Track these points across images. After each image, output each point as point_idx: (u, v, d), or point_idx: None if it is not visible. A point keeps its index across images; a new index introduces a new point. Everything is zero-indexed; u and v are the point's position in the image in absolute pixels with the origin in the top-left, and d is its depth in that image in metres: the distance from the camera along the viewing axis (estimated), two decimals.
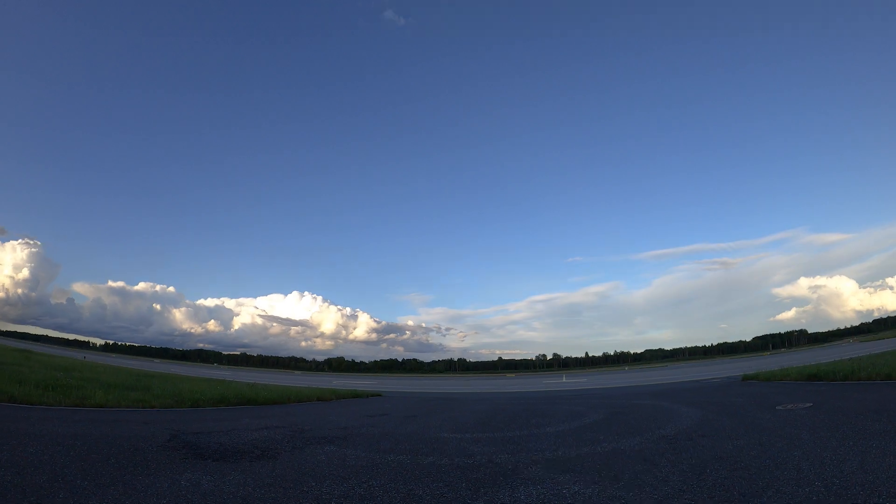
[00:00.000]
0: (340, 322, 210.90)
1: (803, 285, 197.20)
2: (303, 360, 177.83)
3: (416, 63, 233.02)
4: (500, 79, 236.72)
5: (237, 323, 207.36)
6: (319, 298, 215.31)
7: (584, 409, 9.81)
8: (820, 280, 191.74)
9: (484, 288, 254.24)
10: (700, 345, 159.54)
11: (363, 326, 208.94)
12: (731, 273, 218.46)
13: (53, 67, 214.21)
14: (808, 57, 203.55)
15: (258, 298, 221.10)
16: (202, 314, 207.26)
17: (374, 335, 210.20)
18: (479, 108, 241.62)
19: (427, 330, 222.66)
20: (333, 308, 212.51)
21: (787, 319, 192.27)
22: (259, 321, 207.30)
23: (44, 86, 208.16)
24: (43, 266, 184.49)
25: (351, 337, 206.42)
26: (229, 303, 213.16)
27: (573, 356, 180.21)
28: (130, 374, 19.01)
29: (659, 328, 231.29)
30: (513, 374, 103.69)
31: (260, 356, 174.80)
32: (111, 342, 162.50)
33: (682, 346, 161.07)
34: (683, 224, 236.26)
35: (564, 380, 38.34)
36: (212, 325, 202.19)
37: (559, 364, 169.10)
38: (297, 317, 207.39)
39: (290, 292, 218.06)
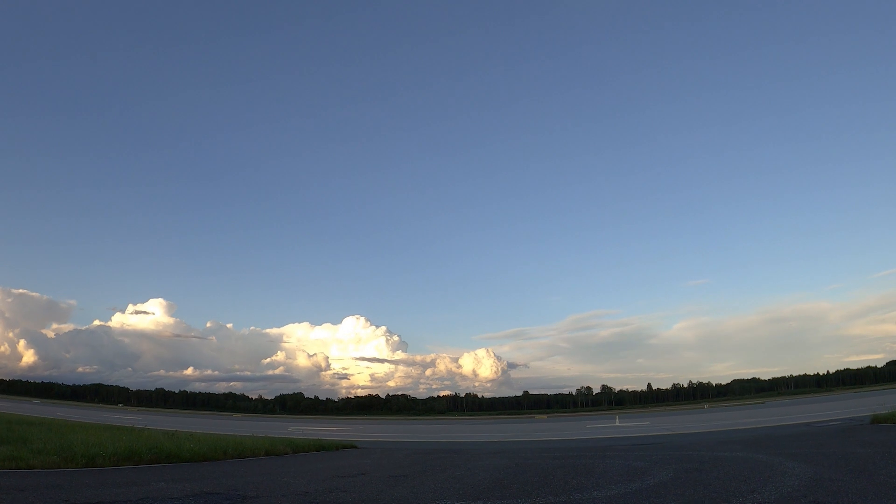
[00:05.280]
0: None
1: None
2: (245, 396, 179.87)
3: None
4: (577, 91, 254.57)
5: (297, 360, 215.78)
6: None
7: (645, 464, 9.87)
8: None
9: (495, 313, 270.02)
10: (811, 373, 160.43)
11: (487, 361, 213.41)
12: None
13: None
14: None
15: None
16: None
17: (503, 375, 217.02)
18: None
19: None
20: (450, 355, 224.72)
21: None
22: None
23: None
24: None
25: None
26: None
27: (629, 389, 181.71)
28: None
29: (721, 360, 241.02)
30: (544, 416, 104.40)
31: (183, 392, 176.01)
32: None
33: (786, 374, 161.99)
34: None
35: (618, 423, 38.60)
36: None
37: (610, 401, 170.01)
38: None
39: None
